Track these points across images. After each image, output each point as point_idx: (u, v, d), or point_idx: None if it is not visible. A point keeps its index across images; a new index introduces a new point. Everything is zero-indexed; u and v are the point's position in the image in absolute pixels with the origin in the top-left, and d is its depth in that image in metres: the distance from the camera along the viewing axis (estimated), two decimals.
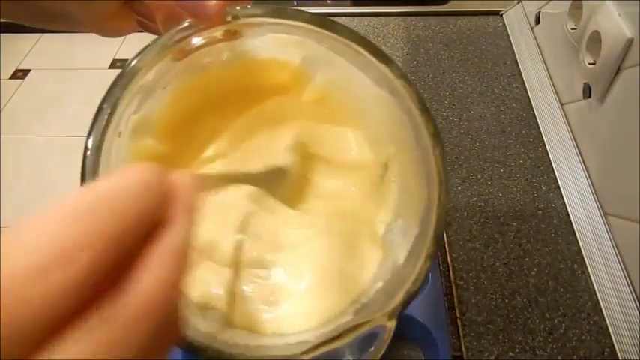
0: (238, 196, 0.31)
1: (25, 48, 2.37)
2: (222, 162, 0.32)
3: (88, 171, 0.23)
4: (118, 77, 0.25)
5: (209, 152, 0.32)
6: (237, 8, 0.25)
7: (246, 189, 0.30)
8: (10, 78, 2.19)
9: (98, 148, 0.24)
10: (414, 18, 0.86)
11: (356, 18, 0.85)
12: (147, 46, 0.26)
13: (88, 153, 0.24)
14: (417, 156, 0.28)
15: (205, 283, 0.29)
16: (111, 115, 0.25)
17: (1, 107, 2.04)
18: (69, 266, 0.12)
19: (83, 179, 0.23)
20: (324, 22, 0.26)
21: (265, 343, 0.27)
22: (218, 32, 0.26)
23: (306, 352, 0.23)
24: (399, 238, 0.29)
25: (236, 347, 0.24)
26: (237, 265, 0.30)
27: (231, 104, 0.32)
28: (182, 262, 0.15)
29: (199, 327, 0.25)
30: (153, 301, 0.14)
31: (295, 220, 0.32)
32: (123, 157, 0.26)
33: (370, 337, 0.24)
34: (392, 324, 0.25)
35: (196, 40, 0.26)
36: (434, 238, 0.26)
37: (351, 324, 0.24)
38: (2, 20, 0.32)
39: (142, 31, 0.32)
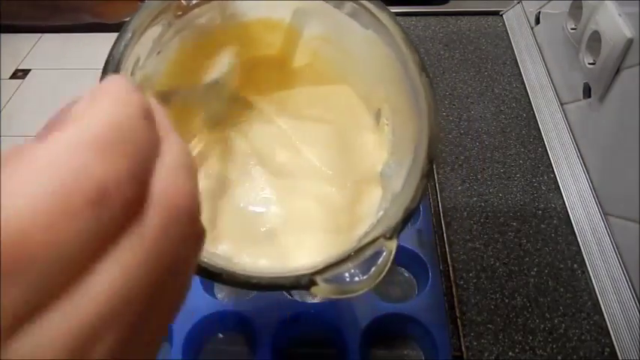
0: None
1: (25, 48, 2.37)
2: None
3: None
4: (121, 34, 0.26)
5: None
6: None
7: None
8: (10, 78, 2.19)
9: None
10: (414, 18, 0.86)
11: None
12: (144, 5, 0.26)
13: None
14: (406, 89, 0.28)
15: (213, 209, 0.30)
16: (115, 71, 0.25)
17: (1, 107, 2.04)
18: (104, 203, 0.12)
19: None
20: None
21: (276, 270, 0.28)
22: None
23: (315, 274, 0.25)
24: (395, 171, 0.30)
25: (249, 272, 0.25)
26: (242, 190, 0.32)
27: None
28: (190, 170, 0.15)
29: (212, 256, 0.26)
30: (176, 208, 0.14)
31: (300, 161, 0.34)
32: None
33: (375, 258, 0.25)
34: (392, 244, 0.25)
35: None
36: (427, 157, 0.27)
37: (355, 248, 0.25)
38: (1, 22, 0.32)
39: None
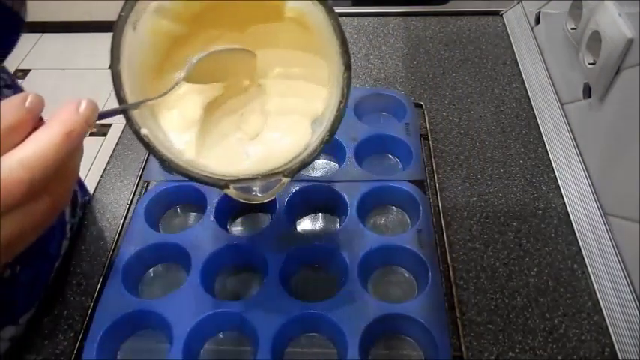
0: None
1: (25, 48, 2.37)
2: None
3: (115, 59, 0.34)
4: None
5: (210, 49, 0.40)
6: None
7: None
8: None
9: (117, 44, 0.34)
10: (414, 18, 0.86)
11: (356, 18, 0.85)
12: None
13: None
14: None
15: (186, 109, 0.39)
16: (126, 16, 0.34)
17: None
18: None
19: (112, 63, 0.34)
20: None
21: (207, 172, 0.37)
22: None
23: (231, 182, 0.36)
24: (319, 127, 0.40)
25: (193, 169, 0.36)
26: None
27: (231, 17, 0.40)
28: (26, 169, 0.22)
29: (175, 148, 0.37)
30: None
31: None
32: (141, 39, 0.35)
33: (273, 184, 0.38)
34: (287, 180, 0.37)
35: None
36: (329, 130, 0.37)
37: (264, 174, 0.37)
38: None
39: None
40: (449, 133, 0.67)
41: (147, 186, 0.60)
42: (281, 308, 0.47)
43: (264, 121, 0.42)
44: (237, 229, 0.57)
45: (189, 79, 0.38)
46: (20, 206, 0.22)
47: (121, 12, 0.34)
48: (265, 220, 0.57)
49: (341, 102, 0.36)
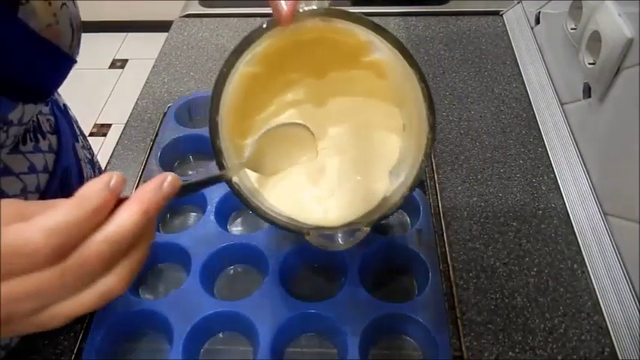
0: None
1: None
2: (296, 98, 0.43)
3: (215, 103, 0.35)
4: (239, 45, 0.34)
5: (288, 93, 0.43)
6: (301, 10, 0.34)
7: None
8: None
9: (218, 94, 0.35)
10: (414, 18, 0.86)
11: None
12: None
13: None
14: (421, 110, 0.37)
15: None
16: (227, 72, 0.35)
17: None
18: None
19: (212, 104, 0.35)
20: (363, 20, 0.36)
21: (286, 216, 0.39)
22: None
23: (311, 229, 0.39)
24: (396, 178, 0.41)
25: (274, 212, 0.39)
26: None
27: (311, 62, 0.41)
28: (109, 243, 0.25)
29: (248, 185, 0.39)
30: (82, 264, 0.24)
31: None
32: (234, 85, 0.37)
33: (354, 233, 0.40)
34: (367, 229, 0.39)
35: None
36: (411, 186, 0.38)
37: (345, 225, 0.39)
38: None
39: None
40: (449, 133, 0.67)
41: None
42: (281, 308, 0.47)
43: (341, 173, 0.42)
44: (237, 229, 0.57)
45: (250, 164, 0.39)
46: (99, 275, 0.26)
47: (223, 67, 0.34)
48: None
49: (423, 160, 0.37)
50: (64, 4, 0.43)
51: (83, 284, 0.25)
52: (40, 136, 0.49)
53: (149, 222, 0.27)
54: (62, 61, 0.45)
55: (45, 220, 0.23)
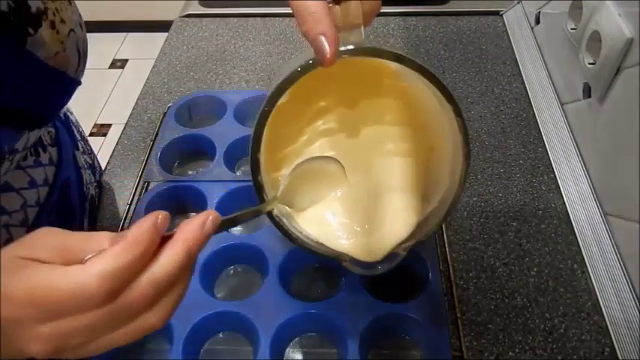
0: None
1: None
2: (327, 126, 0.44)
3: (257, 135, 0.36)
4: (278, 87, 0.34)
5: (318, 121, 0.44)
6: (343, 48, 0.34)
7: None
8: None
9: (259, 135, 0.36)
10: (414, 18, 0.86)
11: None
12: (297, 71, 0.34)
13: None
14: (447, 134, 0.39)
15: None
16: (269, 110, 0.35)
17: None
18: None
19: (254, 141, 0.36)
20: (401, 57, 0.34)
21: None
22: None
23: (348, 258, 0.40)
24: (428, 203, 0.42)
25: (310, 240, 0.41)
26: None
27: (335, 87, 0.42)
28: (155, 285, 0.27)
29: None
30: (128, 307, 0.26)
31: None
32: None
33: (392, 257, 0.40)
34: (403, 253, 0.40)
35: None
36: (443, 218, 0.39)
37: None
38: None
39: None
40: None
41: (147, 186, 0.60)
42: (281, 308, 0.47)
43: (376, 204, 0.43)
44: (237, 229, 0.57)
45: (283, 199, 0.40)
46: (140, 313, 0.27)
47: (264, 107, 0.35)
48: (265, 220, 0.57)
49: (457, 191, 0.38)
50: (72, 29, 0.43)
51: (128, 322, 0.27)
52: (40, 150, 0.48)
53: (191, 260, 0.28)
54: (68, 85, 0.44)
55: (99, 266, 0.25)
